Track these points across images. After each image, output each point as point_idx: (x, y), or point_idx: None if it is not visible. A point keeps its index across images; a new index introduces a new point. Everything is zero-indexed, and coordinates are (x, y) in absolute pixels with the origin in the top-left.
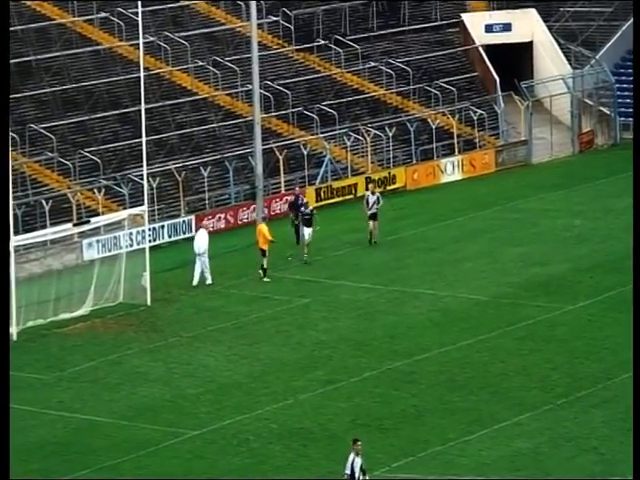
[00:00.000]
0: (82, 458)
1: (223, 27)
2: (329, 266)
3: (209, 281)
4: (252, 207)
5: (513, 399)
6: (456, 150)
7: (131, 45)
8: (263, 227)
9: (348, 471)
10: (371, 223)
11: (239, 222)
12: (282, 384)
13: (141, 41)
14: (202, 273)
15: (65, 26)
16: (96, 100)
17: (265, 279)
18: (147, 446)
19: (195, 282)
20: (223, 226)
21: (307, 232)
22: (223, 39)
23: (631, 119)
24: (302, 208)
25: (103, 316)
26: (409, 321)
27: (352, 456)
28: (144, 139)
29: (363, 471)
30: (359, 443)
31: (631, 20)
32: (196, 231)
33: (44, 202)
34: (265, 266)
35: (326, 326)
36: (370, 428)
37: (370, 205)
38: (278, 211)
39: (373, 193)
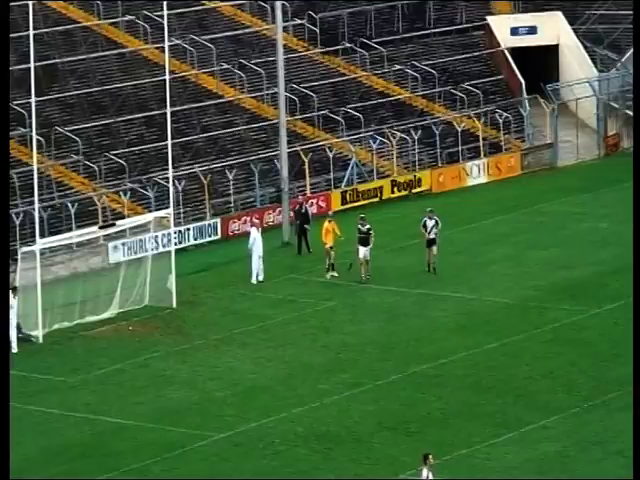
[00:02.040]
0: (108, 461)
1: (249, 30)
2: (355, 269)
3: (253, 279)
4: (278, 210)
5: (539, 402)
6: (482, 153)
7: (157, 48)
8: (328, 226)
9: None
10: (430, 249)
11: (265, 225)
12: (308, 387)
13: (166, 44)
14: (257, 269)
15: (91, 29)
16: (122, 103)
17: (329, 275)
18: (173, 449)
19: (253, 279)
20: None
21: (362, 251)
22: (248, 42)
23: None
24: (306, 214)
25: (129, 319)
26: (435, 324)
27: (425, 472)
28: (170, 142)
29: None
30: (431, 457)
31: None
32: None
33: (70, 205)
34: (331, 261)
35: (352, 329)
36: (396, 431)
37: (429, 229)
38: None
39: (431, 217)
